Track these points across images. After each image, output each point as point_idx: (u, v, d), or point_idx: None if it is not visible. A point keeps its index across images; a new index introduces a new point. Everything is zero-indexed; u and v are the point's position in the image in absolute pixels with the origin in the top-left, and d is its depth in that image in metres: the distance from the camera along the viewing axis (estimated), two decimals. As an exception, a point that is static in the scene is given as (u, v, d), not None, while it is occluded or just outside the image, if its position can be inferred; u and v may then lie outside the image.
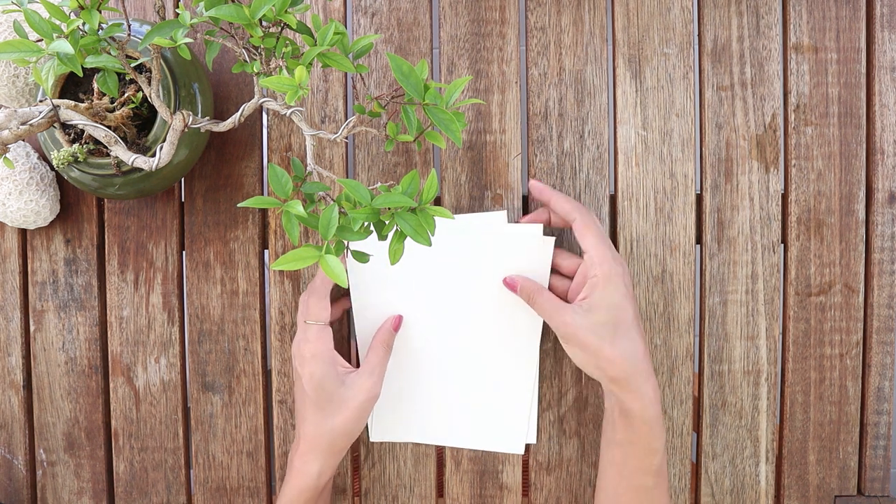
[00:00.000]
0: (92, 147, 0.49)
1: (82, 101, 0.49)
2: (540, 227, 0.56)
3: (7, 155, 0.44)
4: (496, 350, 0.58)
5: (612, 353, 0.49)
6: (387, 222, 0.40)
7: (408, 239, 0.38)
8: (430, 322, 0.58)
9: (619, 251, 0.59)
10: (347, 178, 0.60)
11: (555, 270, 0.57)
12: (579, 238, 0.52)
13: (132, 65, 0.43)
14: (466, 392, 0.59)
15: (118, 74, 0.49)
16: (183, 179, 0.60)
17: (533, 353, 0.58)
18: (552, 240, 0.56)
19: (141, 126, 0.50)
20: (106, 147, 0.49)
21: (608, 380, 0.50)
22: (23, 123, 0.44)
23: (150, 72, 0.46)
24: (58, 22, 0.40)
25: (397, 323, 0.57)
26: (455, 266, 0.58)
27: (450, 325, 0.58)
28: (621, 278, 0.50)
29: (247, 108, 0.46)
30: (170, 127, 0.46)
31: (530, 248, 0.57)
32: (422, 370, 0.59)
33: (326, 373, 0.51)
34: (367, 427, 0.60)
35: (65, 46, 0.38)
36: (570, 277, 0.55)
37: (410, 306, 0.58)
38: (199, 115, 0.51)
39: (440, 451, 0.61)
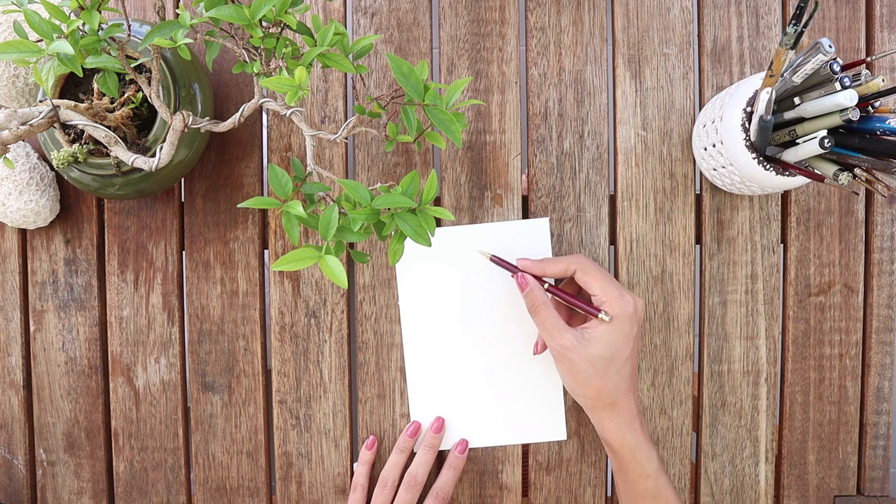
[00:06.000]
0: (92, 147, 0.49)
1: (82, 102, 0.49)
2: (546, 220, 0.59)
3: (7, 155, 0.44)
4: (524, 344, 0.59)
5: (600, 384, 0.51)
6: (387, 223, 0.40)
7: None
8: (465, 334, 0.60)
9: (619, 251, 0.59)
10: (347, 178, 0.60)
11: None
12: (585, 286, 0.52)
13: (132, 65, 0.43)
14: (505, 392, 0.60)
15: (118, 75, 0.49)
16: (183, 179, 0.60)
17: None
18: (546, 220, 0.59)
19: (141, 126, 0.50)
20: (106, 147, 0.49)
21: (589, 405, 0.52)
22: (23, 124, 0.44)
23: (150, 72, 0.47)
24: (58, 22, 0.40)
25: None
26: (480, 271, 0.59)
27: (482, 332, 0.60)
28: (629, 318, 0.51)
29: (247, 108, 0.46)
30: (170, 127, 0.46)
31: (532, 241, 0.59)
32: (462, 381, 0.60)
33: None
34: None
35: (65, 47, 0.38)
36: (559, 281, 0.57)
37: (450, 319, 0.60)
38: (199, 116, 0.51)
39: (440, 451, 0.61)
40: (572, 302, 0.52)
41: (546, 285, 0.54)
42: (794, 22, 0.41)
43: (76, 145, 0.48)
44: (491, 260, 0.56)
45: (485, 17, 0.59)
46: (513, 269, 0.55)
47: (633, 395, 0.52)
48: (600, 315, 0.50)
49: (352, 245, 0.59)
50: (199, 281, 0.60)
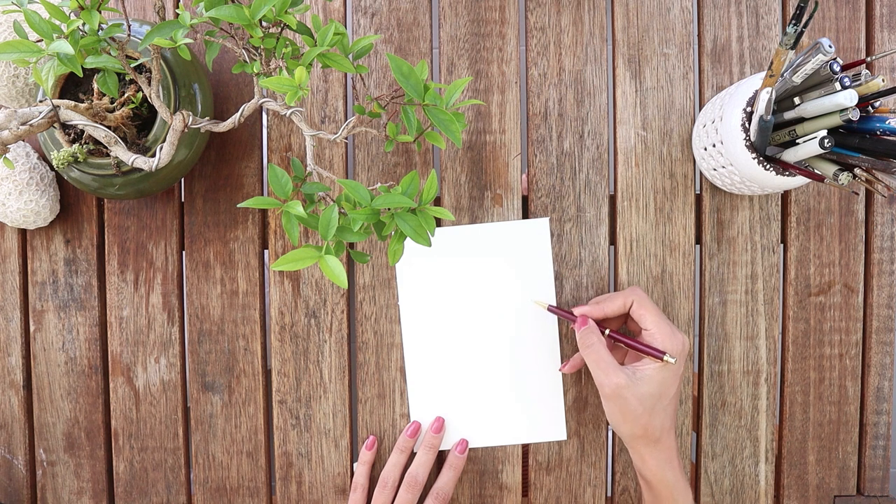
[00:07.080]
0: (92, 147, 0.49)
1: (82, 102, 0.49)
2: (546, 220, 0.59)
3: (7, 155, 0.44)
4: (524, 345, 0.59)
5: (648, 422, 0.51)
6: (387, 223, 0.40)
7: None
8: (465, 334, 0.60)
9: (619, 251, 0.59)
10: (347, 178, 0.60)
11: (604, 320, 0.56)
12: (638, 319, 0.53)
13: (132, 65, 0.43)
14: (505, 392, 0.60)
15: (118, 75, 0.49)
16: (183, 179, 0.60)
17: (554, 341, 0.59)
18: (546, 220, 0.59)
19: (141, 126, 0.50)
20: (106, 147, 0.49)
21: (633, 442, 0.52)
22: (23, 124, 0.44)
23: (150, 72, 0.47)
24: (58, 22, 0.40)
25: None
26: (480, 271, 0.59)
27: (482, 332, 0.60)
28: (680, 357, 0.51)
29: (247, 108, 0.46)
30: (170, 127, 0.46)
31: (532, 241, 0.59)
32: (462, 381, 0.60)
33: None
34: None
35: (65, 47, 0.38)
36: (615, 317, 0.56)
37: (450, 319, 0.60)
38: (199, 116, 0.51)
39: (441, 451, 0.61)
40: (634, 346, 0.52)
41: (607, 331, 0.54)
42: (794, 22, 0.41)
43: (76, 145, 0.48)
44: (549, 310, 0.57)
45: (485, 17, 0.59)
46: (572, 317, 0.55)
47: (674, 432, 0.52)
48: (665, 358, 0.50)
49: (352, 245, 0.59)
50: (199, 281, 0.60)
